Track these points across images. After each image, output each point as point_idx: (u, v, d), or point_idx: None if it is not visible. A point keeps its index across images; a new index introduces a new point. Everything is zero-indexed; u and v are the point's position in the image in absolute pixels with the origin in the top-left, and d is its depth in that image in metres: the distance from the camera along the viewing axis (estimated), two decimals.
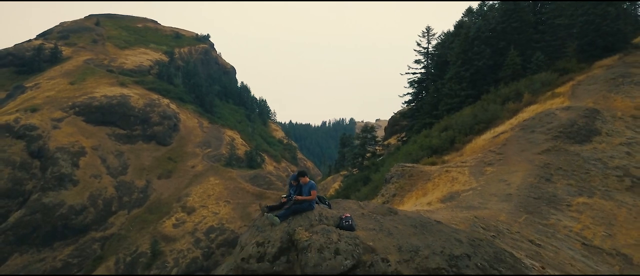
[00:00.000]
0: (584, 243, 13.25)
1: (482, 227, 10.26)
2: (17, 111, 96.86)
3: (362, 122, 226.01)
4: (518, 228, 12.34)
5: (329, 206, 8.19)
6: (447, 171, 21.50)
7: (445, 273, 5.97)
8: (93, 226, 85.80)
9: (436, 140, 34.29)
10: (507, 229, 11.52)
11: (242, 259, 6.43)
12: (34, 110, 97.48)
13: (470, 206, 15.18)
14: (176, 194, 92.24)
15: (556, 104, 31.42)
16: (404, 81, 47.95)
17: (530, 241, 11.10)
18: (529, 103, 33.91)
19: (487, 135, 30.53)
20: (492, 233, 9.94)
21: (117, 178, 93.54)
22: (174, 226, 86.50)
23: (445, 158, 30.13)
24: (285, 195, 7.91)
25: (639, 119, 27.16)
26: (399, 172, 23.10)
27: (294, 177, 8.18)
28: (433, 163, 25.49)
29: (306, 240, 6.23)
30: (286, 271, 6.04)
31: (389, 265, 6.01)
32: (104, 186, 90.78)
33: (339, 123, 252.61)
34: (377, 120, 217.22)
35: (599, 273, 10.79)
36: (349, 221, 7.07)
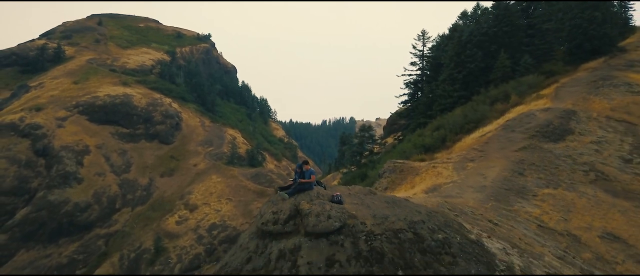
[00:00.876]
0: (539, 225, 16.01)
1: (448, 208, 12.99)
2: (22, 110, 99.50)
3: (363, 120, 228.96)
4: (482, 211, 15.08)
5: (325, 187, 11.07)
6: (433, 166, 24.30)
7: (405, 232, 8.75)
8: (98, 223, 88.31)
9: (429, 139, 37.04)
10: (472, 211, 14.25)
11: (262, 223, 9.23)
12: (38, 109, 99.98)
13: (448, 195, 17.96)
14: (179, 192, 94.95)
15: (539, 105, 34.17)
16: (402, 82, 51.24)
17: (489, 220, 13.84)
18: (516, 105, 36.65)
19: (476, 134, 33.29)
20: (456, 213, 12.66)
21: (120, 176, 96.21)
22: (177, 223, 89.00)
23: (436, 155, 32.87)
24: (292, 179, 10.85)
25: (612, 120, 29.93)
26: (391, 168, 25.89)
27: (299, 165, 11.03)
28: (422, 160, 28.30)
29: (308, 209, 8.98)
30: (293, 231, 8.82)
31: (366, 226, 8.77)
32: (108, 184, 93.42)
33: (339, 122, 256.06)
34: (377, 118, 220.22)
35: (594, 274, 13.49)
36: (338, 198, 9.90)
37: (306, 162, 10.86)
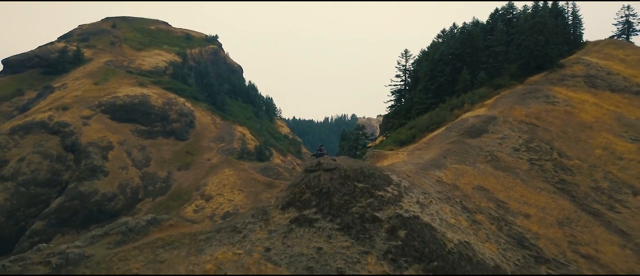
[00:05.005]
0: (438, 180, 33.85)
1: (386, 168, 30.57)
2: (49, 109, 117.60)
3: (364, 117, 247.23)
4: (408, 172, 32.75)
5: (329, 155, 28.78)
6: (396, 154, 42.22)
7: (359, 170, 26.43)
8: (123, 211, 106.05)
9: (404, 136, 54.91)
10: (400, 171, 31.89)
11: (306, 167, 26.97)
12: (64, 108, 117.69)
13: (396, 166, 35.83)
14: (195, 184, 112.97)
15: (482, 112, 52.06)
16: (390, 89, 70.50)
17: (407, 175, 31.50)
18: (467, 111, 54.46)
19: (434, 133, 51.18)
20: (388, 169, 30.20)
21: (141, 170, 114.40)
22: (195, 211, 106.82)
23: (407, 147, 50.73)
24: (315, 151, 28.74)
25: (523, 123, 47.87)
26: (371, 154, 43.82)
27: (319, 145, 28.93)
28: (391, 150, 46.30)
29: (323, 161, 26.69)
30: (317, 169, 26.50)
31: (344, 167, 26.39)
32: (130, 177, 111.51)
33: (341, 119, 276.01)
34: (378, 115, 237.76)
35: None
36: (335, 158, 27.45)
37: (322, 144, 28.93)
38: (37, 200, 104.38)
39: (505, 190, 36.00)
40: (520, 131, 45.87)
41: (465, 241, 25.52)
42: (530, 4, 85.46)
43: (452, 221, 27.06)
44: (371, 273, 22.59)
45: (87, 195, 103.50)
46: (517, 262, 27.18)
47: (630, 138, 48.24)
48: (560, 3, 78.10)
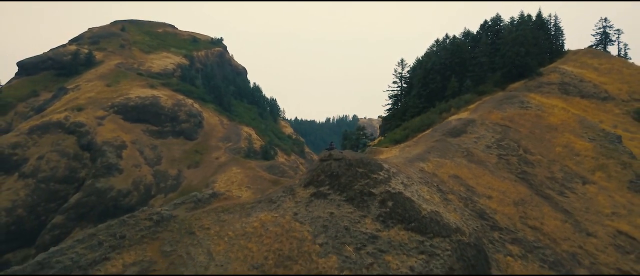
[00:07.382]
0: (421, 170, 45.55)
1: (381, 159, 42.04)
2: (65, 110, 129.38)
3: (365, 118, 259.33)
4: (397, 164, 44.33)
5: (337, 149, 40.37)
6: (390, 150, 53.95)
7: (359, 160, 38.09)
8: (137, 206, 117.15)
9: (398, 136, 66.67)
10: (391, 162, 43.42)
11: (320, 157, 38.63)
12: (79, 109, 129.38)
13: (389, 159, 47.55)
14: (204, 181, 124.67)
15: (464, 115, 63.83)
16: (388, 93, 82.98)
17: (396, 165, 43.07)
18: (452, 114, 66.18)
19: (424, 133, 62.93)
20: (382, 160, 41.63)
21: (153, 168, 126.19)
22: None
23: (400, 145, 62.49)
24: (327, 146, 40.48)
25: (497, 125, 59.66)
26: (369, 151, 55.55)
27: (330, 142, 40.60)
28: (386, 147, 58.07)
29: (333, 153, 38.37)
30: (329, 159, 38.14)
31: (349, 157, 38.07)
32: (143, 174, 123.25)
33: (342, 120, 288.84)
34: (379, 116, 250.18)
35: None
36: (342, 151, 38.93)
37: (332, 142, 40.64)
38: (56, 196, 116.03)
39: (475, 178, 47.73)
40: (494, 132, 57.65)
41: (436, 211, 37.21)
42: (517, 15, 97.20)
43: (428, 197, 38.82)
44: (368, 230, 34.32)
45: (103, 191, 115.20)
46: (475, 228, 38.93)
47: (589, 138, 60.08)
48: (544, 15, 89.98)
